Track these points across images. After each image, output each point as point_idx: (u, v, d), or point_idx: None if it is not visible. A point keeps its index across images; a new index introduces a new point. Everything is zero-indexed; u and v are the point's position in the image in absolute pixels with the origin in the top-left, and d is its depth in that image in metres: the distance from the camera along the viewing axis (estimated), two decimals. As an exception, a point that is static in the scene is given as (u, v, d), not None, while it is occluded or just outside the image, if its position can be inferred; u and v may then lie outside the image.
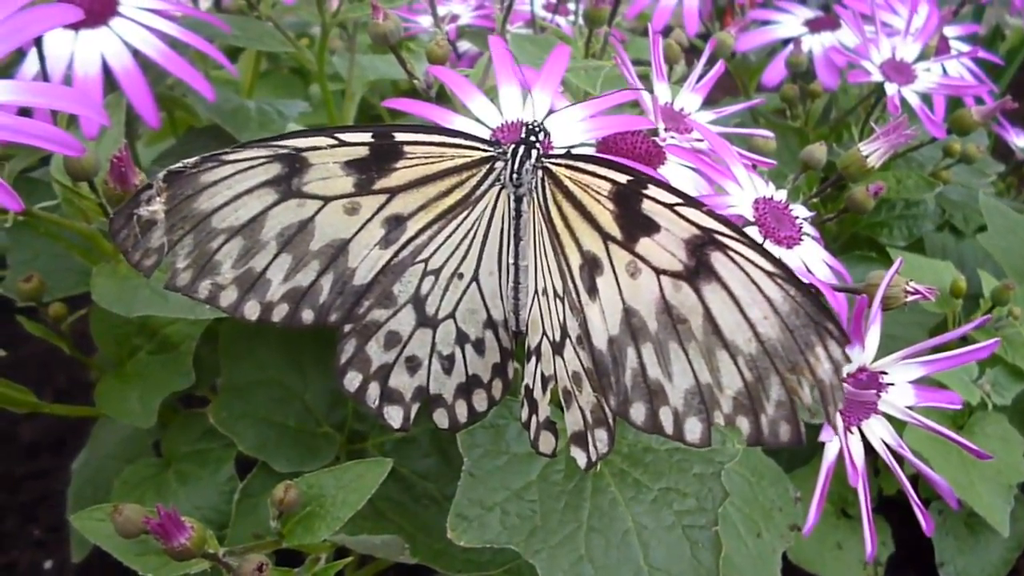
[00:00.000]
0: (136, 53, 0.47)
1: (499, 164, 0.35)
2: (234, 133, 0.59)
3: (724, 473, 0.56)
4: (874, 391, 0.33)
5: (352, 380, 0.37)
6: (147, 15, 0.48)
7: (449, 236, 0.36)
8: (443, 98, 0.46)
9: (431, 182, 0.35)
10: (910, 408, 0.33)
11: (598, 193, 0.33)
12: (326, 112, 0.64)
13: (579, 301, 0.33)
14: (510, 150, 0.35)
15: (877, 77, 0.59)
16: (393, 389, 0.38)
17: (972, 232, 0.76)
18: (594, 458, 0.36)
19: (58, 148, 0.33)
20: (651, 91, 0.46)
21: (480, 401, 0.39)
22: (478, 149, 0.35)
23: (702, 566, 0.42)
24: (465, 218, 0.36)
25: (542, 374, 0.37)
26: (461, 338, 0.38)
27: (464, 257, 0.36)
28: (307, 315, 0.35)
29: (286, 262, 0.34)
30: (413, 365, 0.38)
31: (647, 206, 0.32)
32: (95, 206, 0.39)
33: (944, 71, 0.64)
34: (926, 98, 0.59)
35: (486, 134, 0.40)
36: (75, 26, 0.46)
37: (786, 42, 0.72)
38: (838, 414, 0.32)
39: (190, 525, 0.35)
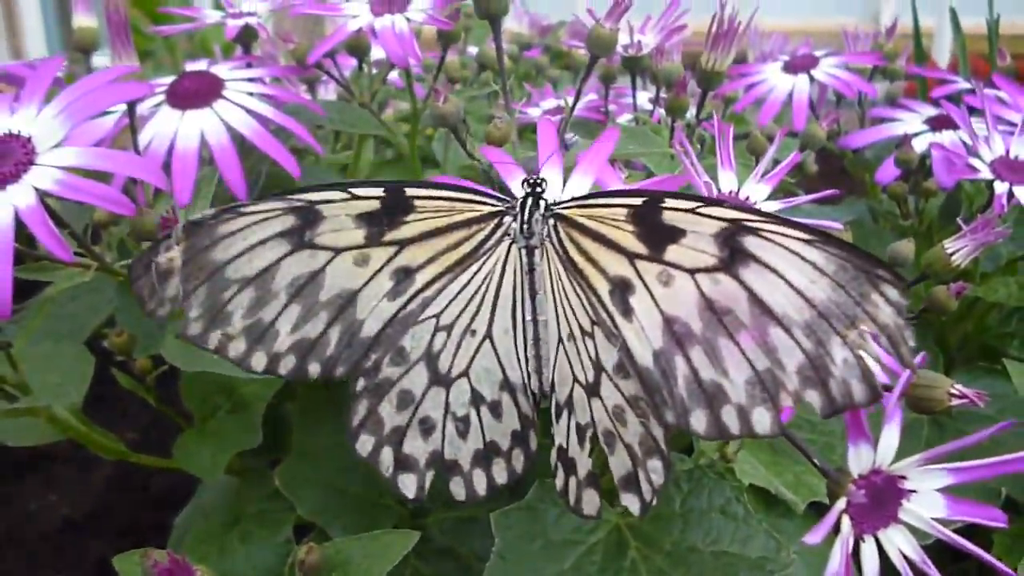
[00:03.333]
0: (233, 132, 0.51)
1: (507, 219, 0.36)
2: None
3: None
4: (894, 496, 0.30)
5: (365, 444, 0.37)
6: (249, 99, 0.52)
7: (460, 291, 0.36)
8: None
9: (440, 235, 0.36)
10: (939, 520, 0.30)
11: (615, 220, 0.34)
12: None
13: (615, 326, 0.34)
14: (518, 204, 0.36)
15: (986, 175, 0.55)
16: (407, 455, 0.38)
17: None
18: (648, 496, 0.35)
19: (113, 208, 0.36)
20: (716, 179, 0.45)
21: (499, 472, 0.39)
22: (487, 204, 0.36)
23: None
24: (476, 272, 0.36)
25: (577, 425, 0.36)
26: (476, 399, 0.37)
27: (476, 313, 0.37)
28: (314, 367, 0.36)
29: (295, 312, 0.35)
30: (427, 428, 0.37)
31: (668, 216, 0.32)
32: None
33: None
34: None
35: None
36: (182, 107, 0.51)
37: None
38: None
39: (198, 572, 0.36)
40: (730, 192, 0.46)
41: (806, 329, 0.29)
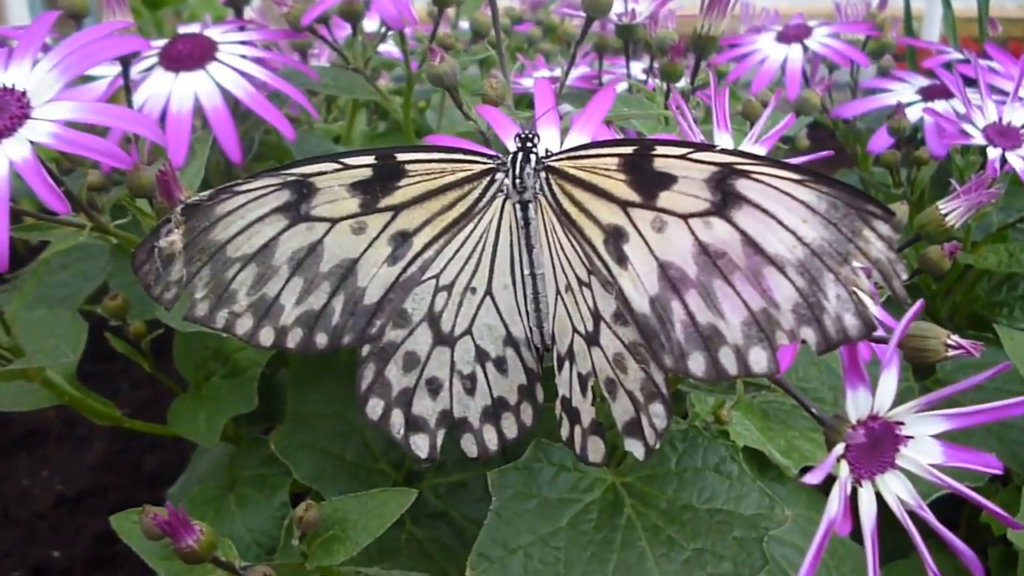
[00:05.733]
0: (227, 95, 0.50)
1: (500, 175, 0.36)
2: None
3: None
4: (891, 442, 0.30)
5: (374, 407, 0.38)
6: (242, 61, 0.52)
7: (458, 250, 0.36)
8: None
9: (434, 197, 0.36)
10: (935, 467, 0.30)
11: (607, 169, 0.34)
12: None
13: (611, 274, 0.34)
14: (509, 159, 0.36)
15: (979, 141, 0.56)
16: (417, 416, 0.38)
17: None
18: (652, 440, 0.35)
19: (110, 160, 0.36)
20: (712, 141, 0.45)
21: (509, 426, 0.39)
22: (478, 162, 0.36)
23: (731, 633, 0.39)
24: (472, 231, 0.36)
25: (579, 375, 0.36)
26: (481, 356, 0.38)
27: (475, 271, 0.37)
28: (321, 338, 0.36)
29: (298, 286, 0.35)
30: (434, 387, 0.38)
31: (659, 163, 0.32)
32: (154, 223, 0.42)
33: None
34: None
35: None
36: (176, 69, 0.51)
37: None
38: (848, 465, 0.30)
39: (199, 528, 0.36)
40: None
41: (799, 268, 0.30)
